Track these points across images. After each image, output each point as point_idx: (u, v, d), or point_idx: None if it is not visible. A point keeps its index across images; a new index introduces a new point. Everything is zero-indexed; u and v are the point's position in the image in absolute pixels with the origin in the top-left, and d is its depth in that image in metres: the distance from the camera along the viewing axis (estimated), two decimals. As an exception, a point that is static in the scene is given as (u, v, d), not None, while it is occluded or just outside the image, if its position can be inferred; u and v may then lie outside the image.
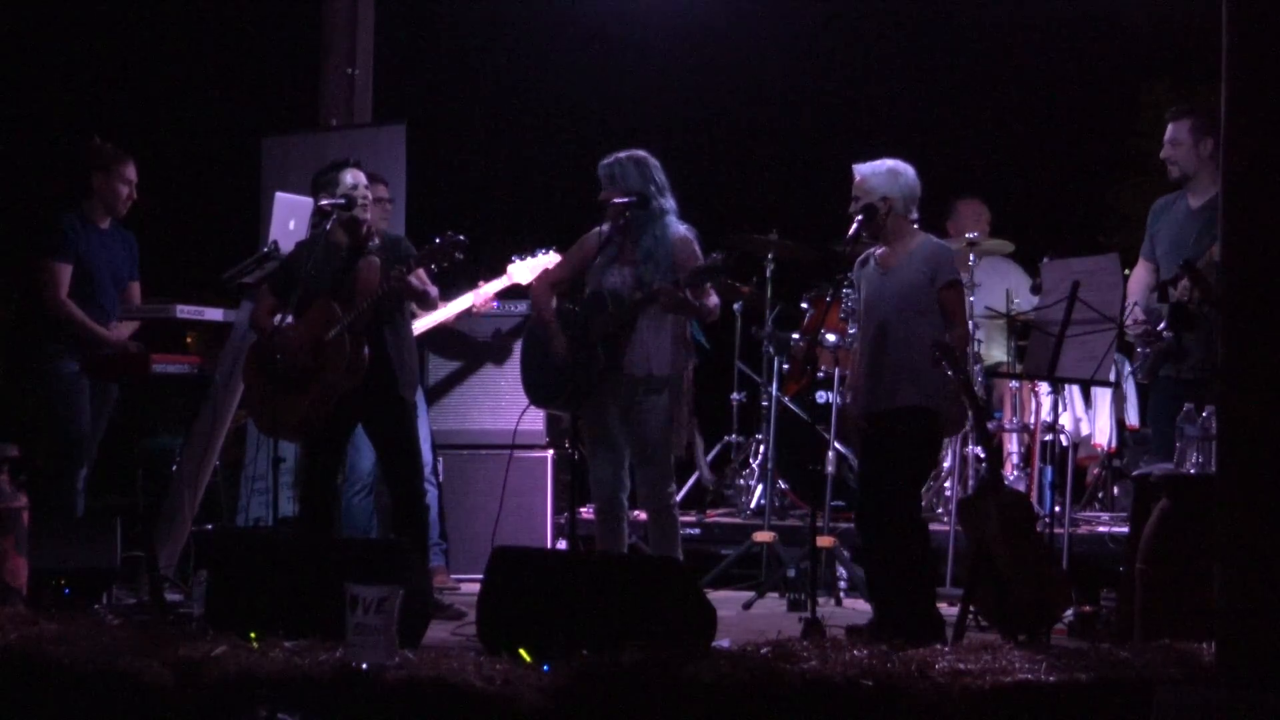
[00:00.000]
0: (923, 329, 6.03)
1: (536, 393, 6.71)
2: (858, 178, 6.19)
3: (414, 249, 6.72)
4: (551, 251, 7.51)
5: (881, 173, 6.16)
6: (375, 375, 6.60)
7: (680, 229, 6.52)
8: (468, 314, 7.79)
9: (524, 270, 7.56)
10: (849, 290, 7.67)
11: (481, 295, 7.71)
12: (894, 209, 6.13)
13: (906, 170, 6.19)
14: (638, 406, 6.44)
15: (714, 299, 6.52)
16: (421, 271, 6.69)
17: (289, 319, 6.61)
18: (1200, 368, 6.33)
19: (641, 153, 6.57)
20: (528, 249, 7.59)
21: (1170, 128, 6.71)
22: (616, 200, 6.48)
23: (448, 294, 7.60)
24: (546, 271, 6.90)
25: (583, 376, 6.41)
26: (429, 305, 6.94)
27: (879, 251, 6.23)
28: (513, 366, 8.17)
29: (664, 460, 6.51)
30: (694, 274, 6.34)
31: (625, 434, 6.50)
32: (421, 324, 7.42)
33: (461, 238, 6.54)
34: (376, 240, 6.78)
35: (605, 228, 6.58)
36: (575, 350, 6.46)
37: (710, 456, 8.93)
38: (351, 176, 6.75)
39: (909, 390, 6.02)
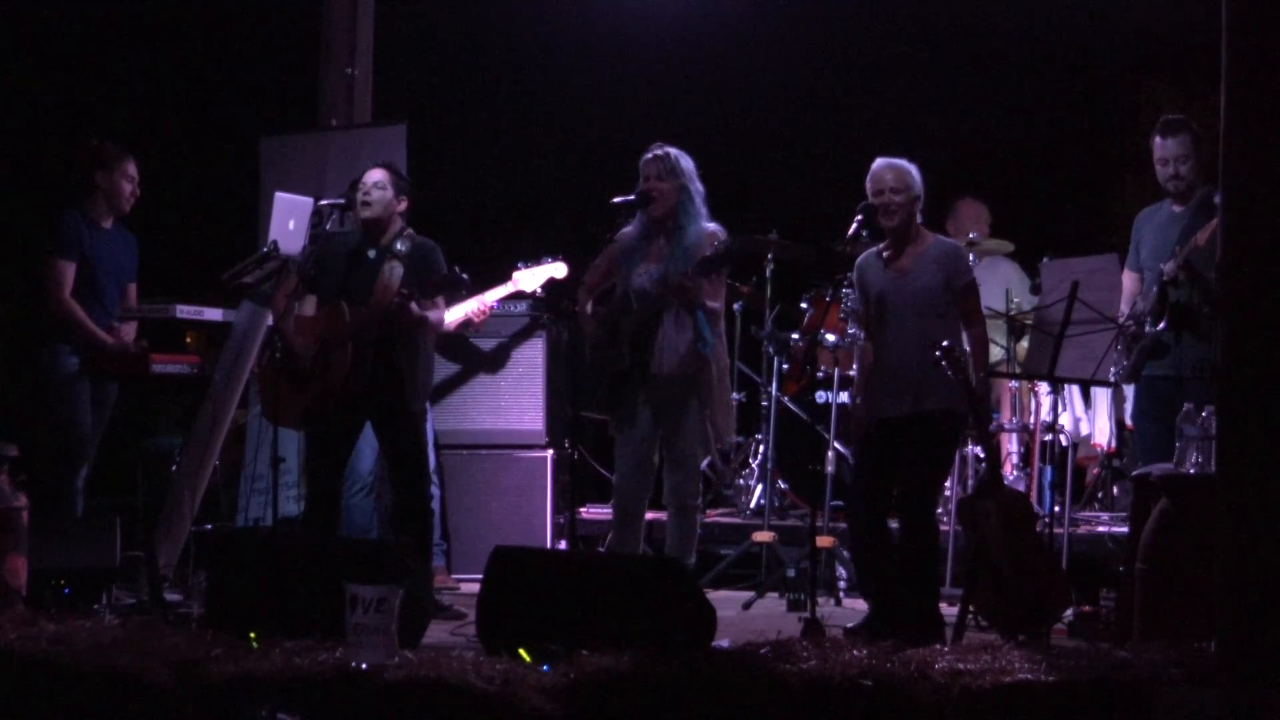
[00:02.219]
0: (943, 332, 6.02)
1: (576, 398, 6.69)
2: (889, 173, 6.10)
3: (443, 261, 6.68)
4: (558, 260, 7.49)
5: (914, 174, 6.13)
6: (383, 384, 6.59)
7: (710, 225, 6.52)
8: (469, 322, 7.78)
9: (529, 278, 7.55)
10: (849, 290, 7.66)
11: (486, 302, 7.70)
12: (917, 211, 6.12)
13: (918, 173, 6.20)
14: (667, 406, 6.43)
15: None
16: (440, 300, 6.69)
17: (301, 307, 6.67)
18: (1183, 364, 6.32)
19: (683, 153, 6.56)
20: (533, 257, 7.58)
21: (1172, 143, 6.51)
22: (617, 200, 6.49)
23: (452, 299, 7.61)
24: (585, 278, 6.83)
25: (613, 377, 6.43)
26: (430, 331, 6.87)
27: (887, 253, 6.18)
28: (513, 367, 8.19)
29: (691, 462, 6.51)
30: (704, 262, 6.32)
31: (656, 434, 6.48)
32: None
33: (465, 277, 6.51)
34: (408, 244, 6.75)
35: (631, 227, 6.58)
36: (606, 352, 6.47)
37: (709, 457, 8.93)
38: (373, 175, 6.77)
39: (937, 394, 5.98)
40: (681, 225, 6.47)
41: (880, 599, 6.13)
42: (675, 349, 6.41)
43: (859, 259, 6.29)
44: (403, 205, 6.85)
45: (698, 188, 6.53)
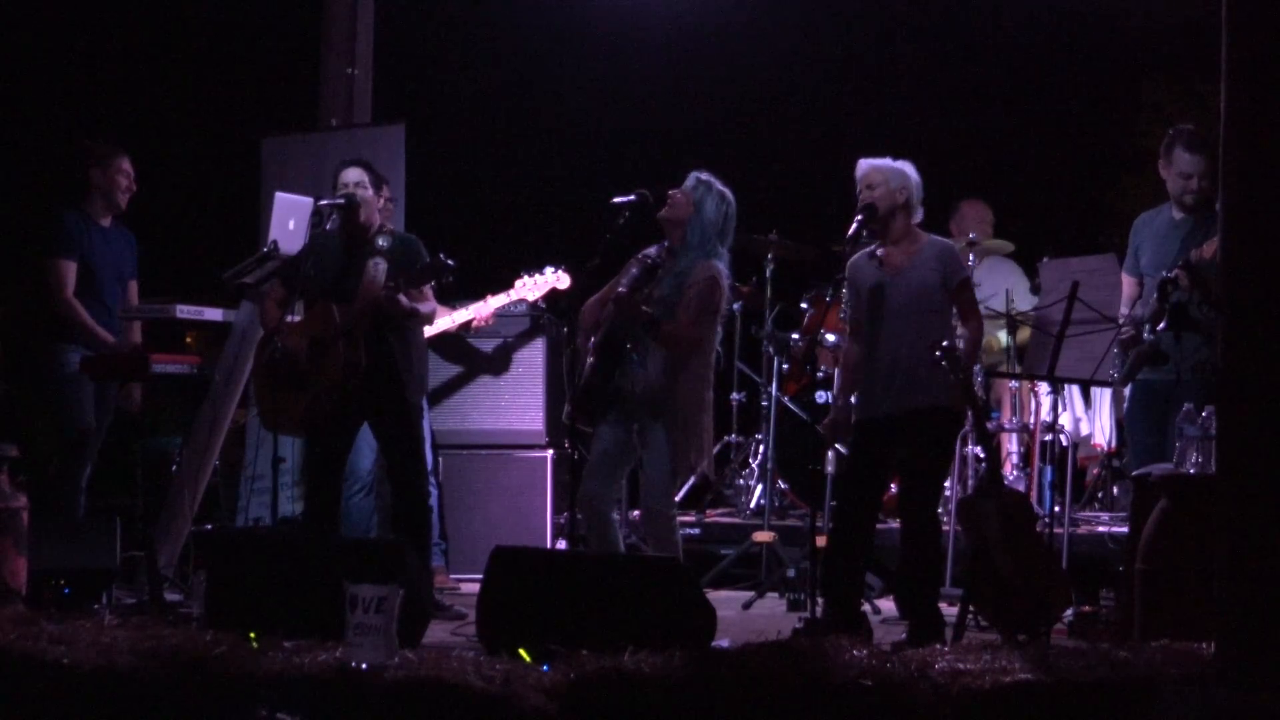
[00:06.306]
0: (939, 329, 6.00)
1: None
2: (869, 171, 6.09)
3: (425, 251, 6.69)
4: (560, 270, 7.47)
5: (897, 170, 6.10)
6: (379, 378, 6.59)
7: (719, 269, 6.46)
8: (469, 326, 7.78)
9: (531, 287, 7.53)
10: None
11: (487, 309, 7.69)
12: (909, 206, 6.09)
13: (914, 171, 6.16)
14: (633, 419, 6.42)
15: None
16: (427, 288, 6.69)
17: (294, 317, 6.64)
18: (1183, 366, 6.32)
19: (730, 194, 6.54)
20: (536, 266, 7.56)
21: (1199, 159, 6.42)
22: (617, 200, 6.48)
23: (455, 302, 7.60)
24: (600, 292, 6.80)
25: (583, 388, 6.44)
26: (422, 322, 6.89)
27: (881, 252, 6.15)
28: (513, 367, 8.19)
29: (657, 470, 6.44)
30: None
31: (626, 440, 6.47)
32: (426, 332, 7.39)
33: (451, 263, 6.51)
34: (389, 239, 6.76)
35: (654, 249, 6.56)
36: (575, 361, 6.49)
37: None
38: (350, 174, 6.76)
39: (932, 391, 5.95)
40: (687, 247, 6.46)
41: (838, 601, 5.98)
42: (649, 371, 6.38)
43: (851, 259, 6.23)
44: (381, 200, 6.86)
45: (715, 224, 6.46)
